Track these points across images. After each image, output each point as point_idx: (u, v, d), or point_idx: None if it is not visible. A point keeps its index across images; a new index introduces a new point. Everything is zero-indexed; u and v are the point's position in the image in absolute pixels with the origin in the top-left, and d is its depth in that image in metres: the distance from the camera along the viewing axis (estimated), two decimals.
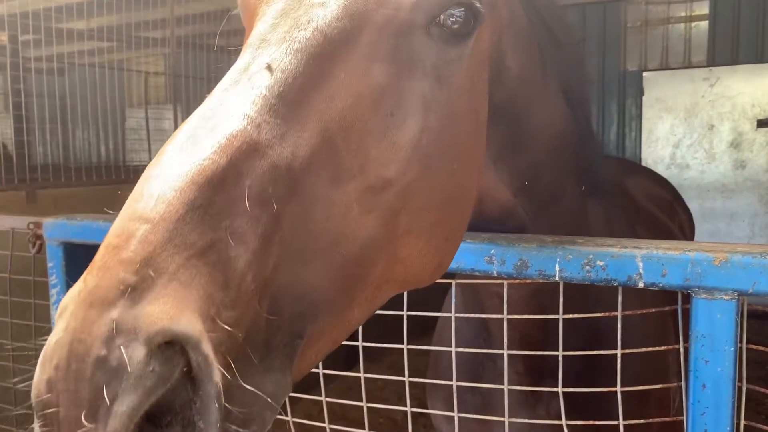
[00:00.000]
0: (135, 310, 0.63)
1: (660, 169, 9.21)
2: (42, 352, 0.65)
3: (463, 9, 1.01)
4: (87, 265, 0.72)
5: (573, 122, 1.66)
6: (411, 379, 1.53)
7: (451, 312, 1.93)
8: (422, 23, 0.99)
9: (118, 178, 5.47)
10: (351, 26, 0.93)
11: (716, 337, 1.16)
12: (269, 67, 0.85)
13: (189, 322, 0.64)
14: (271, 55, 0.87)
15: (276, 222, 0.78)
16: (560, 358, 1.37)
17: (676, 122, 9.12)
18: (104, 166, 5.99)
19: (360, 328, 1.56)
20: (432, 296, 1.86)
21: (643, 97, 9.26)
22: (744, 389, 1.25)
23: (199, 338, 0.64)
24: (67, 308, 0.66)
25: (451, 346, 1.82)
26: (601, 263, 1.22)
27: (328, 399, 1.70)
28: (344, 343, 1.65)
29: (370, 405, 1.59)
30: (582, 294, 1.51)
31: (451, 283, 1.96)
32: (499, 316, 1.44)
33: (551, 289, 1.38)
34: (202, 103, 0.92)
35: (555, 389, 1.39)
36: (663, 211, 2.99)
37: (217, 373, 0.64)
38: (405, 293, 1.51)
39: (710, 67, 8.85)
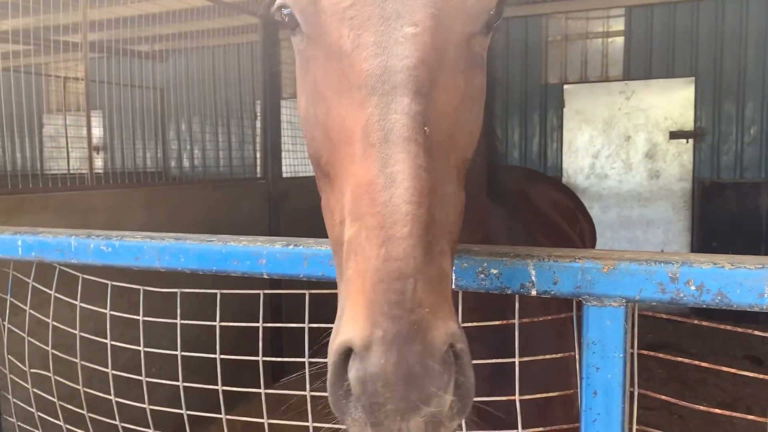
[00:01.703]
0: (427, 340, 0.89)
1: (580, 179, 9.51)
2: (362, 375, 0.88)
3: (499, 4, 1.16)
4: None
5: (484, 128, 1.66)
6: (312, 393, 1.49)
7: None
8: (480, 28, 1.14)
9: (32, 187, 5.19)
10: (442, 51, 1.06)
11: (606, 343, 1.17)
12: (406, 113, 0.99)
13: (456, 330, 0.93)
14: (401, 101, 1.00)
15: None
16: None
17: (594, 133, 9.45)
18: (14, 175, 5.67)
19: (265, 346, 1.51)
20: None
21: (564, 109, 9.56)
22: (636, 394, 1.27)
23: (461, 336, 0.94)
24: (379, 345, 0.87)
25: None
26: (495, 271, 1.22)
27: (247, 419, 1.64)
28: (269, 359, 1.59)
29: (272, 421, 1.54)
30: (498, 296, 1.52)
31: None
32: None
33: (470, 294, 1.36)
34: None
35: None
36: (564, 219, 3.05)
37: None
38: (307, 306, 1.47)
39: (626, 81, 9.23)
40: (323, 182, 1.15)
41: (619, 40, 9.32)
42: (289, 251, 1.39)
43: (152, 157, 10.53)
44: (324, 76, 1.10)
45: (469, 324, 1.36)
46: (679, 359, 1.29)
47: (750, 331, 1.20)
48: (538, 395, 1.41)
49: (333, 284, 1.42)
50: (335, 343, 0.92)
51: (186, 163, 11.75)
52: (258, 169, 7.51)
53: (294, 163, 8.05)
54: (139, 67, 8.11)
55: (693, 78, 8.90)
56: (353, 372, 0.88)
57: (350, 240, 0.95)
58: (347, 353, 0.90)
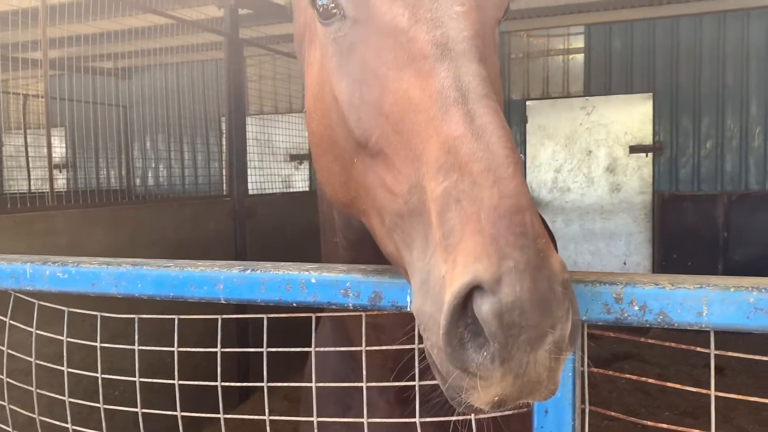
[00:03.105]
0: (551, 266, 0.93)
1: (543, 193, 9.66)
2: (499, 298, 0.88)
3: None
4: None
5: None
6: (271, 417, 1.49)
7: (320, 345, 1.91)
8: (502, 15, 1.28)
9: None
10: (484, 29, 1.17)
11: None
12: (478, 75, 1.07)
13: (565, 267, 0.96)
14: (470, 65, 1.08)
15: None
16: (417, 388, 1.38)
17: (557, 148, 9.63)
18: None
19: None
20: (303, 327, 1.85)
21: (527, 125, 9.73)
22: (587, 411, 1.30)
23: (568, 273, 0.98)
24: (512, 275, 0.88)
25: (318, 378, 1.80)
26: None
27: None
28: (227, 384, 1.59)
29: None
30: None
31: (323, 315, 1.94)
32: (357, 348, 1.43)
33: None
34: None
35: (414, 419, 1.39)
36: None
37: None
38: (265, 331, 1.48)
39: (587, 97, 9.44)
40: (371, 162, 1.17)
41: (580, 57, 9.53)
42: (246, 276, 1.40)
43: (116, 175, 10.41)
44: (377, 55, 1.16)
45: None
46: (626, 376, 1.33)
47: (693, 347, 1.24)
48: (496, 414, 1.44)
49: (292, 309, 1.43)
50: (454, 286, 0.90)
51: (151, 180, 11.63)
52: (224, 186, 7.47)
53: (260, 180, 8.03)
54: (103, 84, 8.03)
55: (651, 94, 9.15)
56: (487, 307, 0.88)
57: (447, 191, 0.97)
58: (466, 297, 0.90)
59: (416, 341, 1.37)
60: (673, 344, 1.25)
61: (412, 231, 1.06)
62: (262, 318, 1.49)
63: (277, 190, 8.38)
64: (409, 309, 1.29)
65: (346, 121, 1.21)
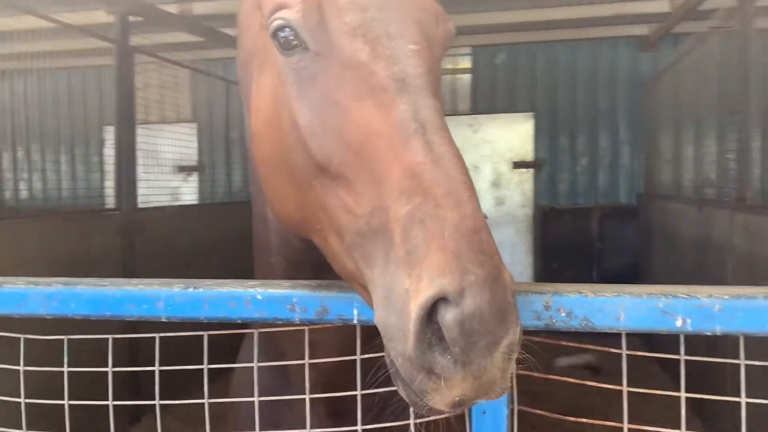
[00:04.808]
0: (504, 279, 1.04)
1: None
2: (463, 306, 0.97)
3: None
4: None
5: None
6: None
7: (250, 360, 1.91)
8: (443, 53, 1.40)
9: None
10: (432, 66, 1.27)
11: None
12: (434, 109, 1.18)
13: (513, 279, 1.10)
14: (426, 100, 1.18)
15: None
16: (359, 398, 1.43)
17: None
18: None
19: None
20: (227, 341, 1.84)
21: None
22: (516, 411, 1.42)
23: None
24: (473, 287, 0.98)
25: (248, 394, 1.81)
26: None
27: None
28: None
29: None
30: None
31: (247, 331, 1.93)
32: (300, 362, 1.47)
33: (366, 332, 1.40)
34: None
35: (354, 428, 1.44)
36: None
37: None
38: (205, 345, 1.48)
39: (474, 115, 9.89)
40: (331, 184, 1.22)
41: (467, 77, 9.98)
42: (188, 294, 1.40)
43: None
44: (338, 86, 1.22)
45: (366, 356, 1.44)
46: (556, 378, 1.46)
47: (608, 349, 1.39)
48: (436, 417, 1.51)
49: (233, 325, 1.44)
50: (420, 298, 0.99)
51: (24, 193, 10.85)
52: (109, 199, 7.12)
53: (147, 193, 7.71)
54: None
55: (532, 113, 9.74)
56: (450, 316, 0.97)
57: (411, 212, 1.06)
58: (431, 307, 0.98)
59: (358, 352, 1.44)
60: (566, 343, 1.40)
61: (373, 249, 1.13)
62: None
63: (165, 203, 8.09)
64: (355, 322, 1.36)
65: (307, 146, 1.26)
